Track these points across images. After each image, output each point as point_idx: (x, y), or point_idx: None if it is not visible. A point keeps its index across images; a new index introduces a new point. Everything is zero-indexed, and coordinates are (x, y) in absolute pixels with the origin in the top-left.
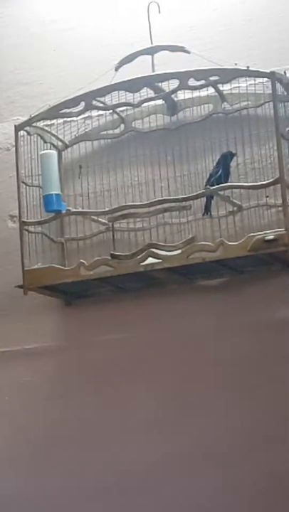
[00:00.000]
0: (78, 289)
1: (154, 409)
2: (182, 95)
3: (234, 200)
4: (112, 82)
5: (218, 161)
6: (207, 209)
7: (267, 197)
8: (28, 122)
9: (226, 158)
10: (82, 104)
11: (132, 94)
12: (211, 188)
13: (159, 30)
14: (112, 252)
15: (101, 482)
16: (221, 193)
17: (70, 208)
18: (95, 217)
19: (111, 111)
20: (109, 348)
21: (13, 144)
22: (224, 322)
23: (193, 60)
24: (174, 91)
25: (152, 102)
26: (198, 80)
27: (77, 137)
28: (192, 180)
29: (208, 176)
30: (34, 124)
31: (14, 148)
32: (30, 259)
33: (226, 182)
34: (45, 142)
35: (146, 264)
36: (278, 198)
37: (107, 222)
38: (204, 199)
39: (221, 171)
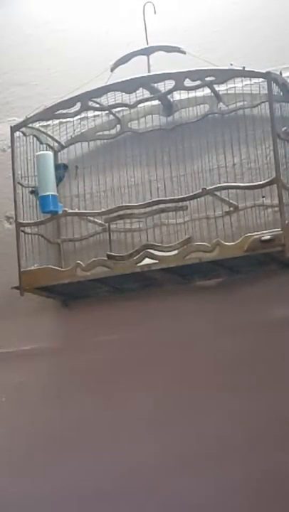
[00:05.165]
0: (75, 290)
1: (151, 410)
2: (178, 96)
3: (230, 201)
4: (108, 83)
5: None
6: None
7: (263, 197)
8: (24, 123)
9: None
10: (78, 104)
11: (127, 95)
12: (208, 188)
13: (155, 30)
14: (108, 253)
15: (98, 483)
16: (218, 193)
17: (66, 209)
18: (92, 218)
19: (107, 111)
20: (106, 349)
21: (9, 144)
22: (221, 322)
23: (188, 61)
24: (170, 91)
25: (148, 103)
26: (194, 81)
27: (73, 138)
28: (188, 180)
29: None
30: (30, 125)
31: (10, 149)
32: (27, 260)
33: None
34: (41, 143)
35: (143, 265)
36: (274, 198)
37: (103, 222)
38: (200, 199)
39: None
